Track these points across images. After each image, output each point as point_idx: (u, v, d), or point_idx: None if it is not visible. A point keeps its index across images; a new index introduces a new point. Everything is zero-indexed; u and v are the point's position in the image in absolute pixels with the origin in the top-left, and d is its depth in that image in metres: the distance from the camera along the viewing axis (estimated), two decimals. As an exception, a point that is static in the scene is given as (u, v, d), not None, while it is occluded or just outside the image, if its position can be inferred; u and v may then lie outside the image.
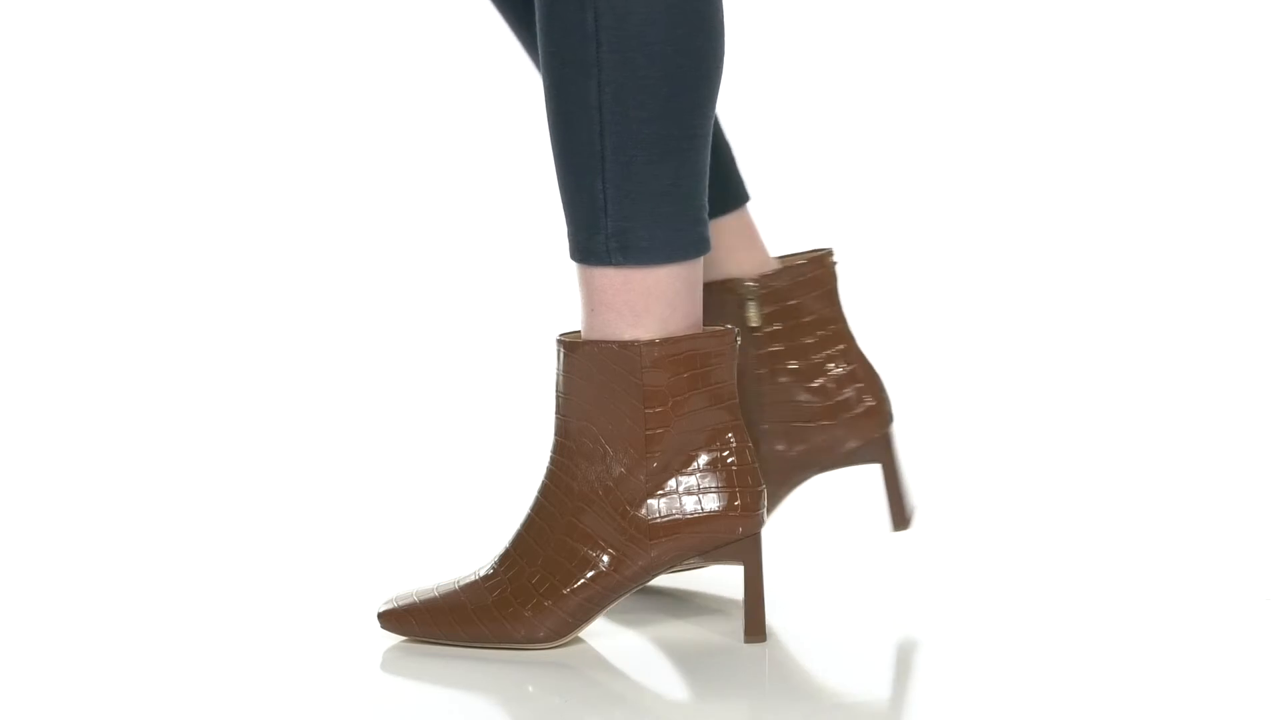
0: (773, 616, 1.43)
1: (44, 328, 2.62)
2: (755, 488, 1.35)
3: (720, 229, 1.44)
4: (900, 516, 1.51)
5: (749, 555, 1.35)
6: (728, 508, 1.34)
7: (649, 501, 1.34)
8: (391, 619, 1.39)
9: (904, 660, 1.35)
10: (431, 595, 1.39)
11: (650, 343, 1.33)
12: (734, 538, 1.35)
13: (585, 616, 1.35)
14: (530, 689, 1.30)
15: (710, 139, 1.35)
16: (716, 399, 1.35)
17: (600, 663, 1.35)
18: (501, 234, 2.69)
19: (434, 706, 1.29)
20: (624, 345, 1.33)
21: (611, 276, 1.34)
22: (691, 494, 1.34)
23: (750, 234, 1.48)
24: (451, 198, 2.78)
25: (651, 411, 1.34)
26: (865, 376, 1.48)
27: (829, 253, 1.49)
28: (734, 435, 1.35)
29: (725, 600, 1.49)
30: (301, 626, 1.46)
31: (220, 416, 2.32)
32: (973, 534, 1.71)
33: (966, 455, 2.06)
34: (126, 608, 1.54)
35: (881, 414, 1.48)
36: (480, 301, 2.66)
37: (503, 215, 2.71)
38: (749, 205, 1.49)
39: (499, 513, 1.58)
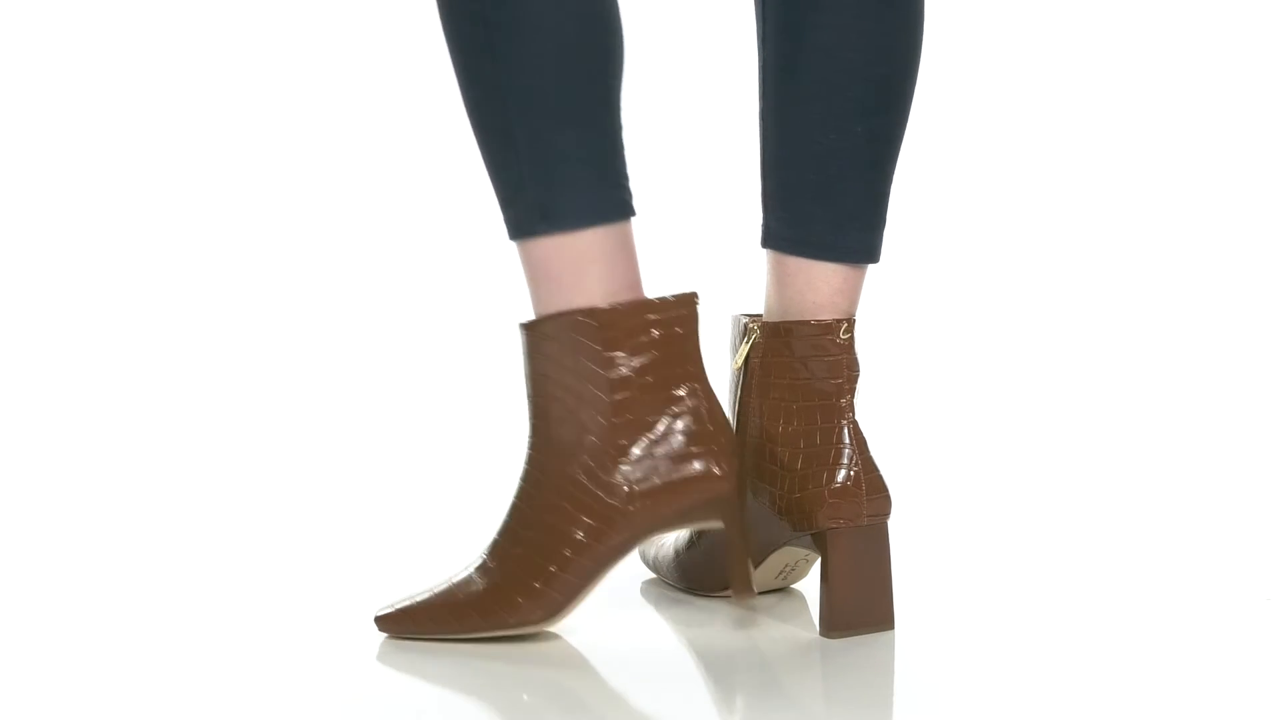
0: (771, 617, 1.43)
1: (42, 330, 2.62)
2: (729, 448, 1.35)
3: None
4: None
5: (728, 514, 1.35)
6: (705, 471, 1.34)
7: (623, 469, 1.34)
8: (389, 622, 1.40)
9: (903, 662, 1.35)
10: (426, 595, 1.40)
11: (611, 308, 1.34)
12: (711, 498, 1.35)
13: (576, 592, 1.35)
14: (525, 698, 1.30)
15: (617, 106, 1.38)
16: (681, 362, 1.35)
17: (586, 665, 1.35)
18: (499, 234, 2.69)
19: (428, 706, 1.29)
20: (586, 312, 1.34)
21: (545, 246, 1.36)
22: (666, 459, 1.34)
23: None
24: (450, 200, 2.78)
25: (616, 377, 1.34)
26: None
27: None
28: (704, 398, 1.35)
29: (717, 600, 1.49)
30: (299, 626, 1.46)
31: (219, 418, 2.32)
32: (973, 535, 1.71)
33: (966, 455, 2.06)
34: (124, 609, 1.54)
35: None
36: (479, 304, 2.66)
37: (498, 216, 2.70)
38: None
39: (498, 514, 1.58)
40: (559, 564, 1.35)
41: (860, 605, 1.38)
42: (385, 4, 2.85)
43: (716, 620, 1.44)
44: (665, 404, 1.35)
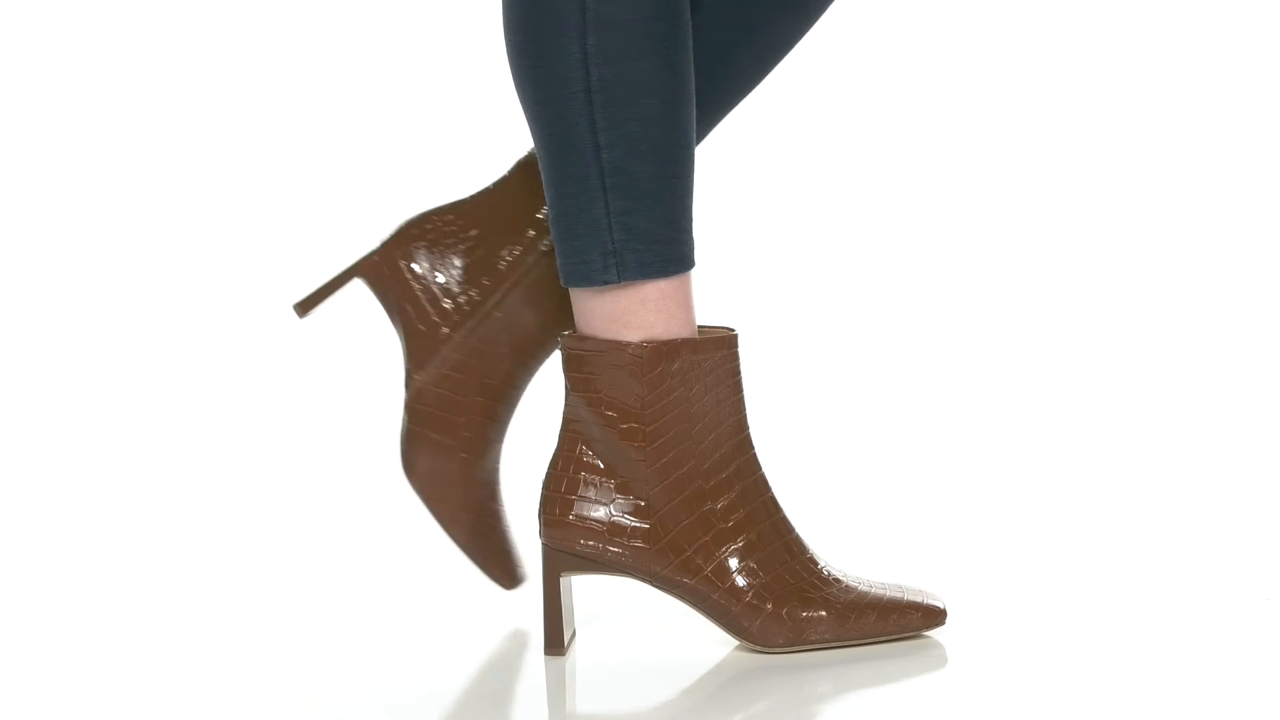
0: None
1: (40, 333, 2.62)
2: None
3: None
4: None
5: None
6: None
7: None
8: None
9: (903, 662, 1.35)
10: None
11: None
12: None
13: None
14: (523, 700, 1.30)
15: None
16: None
17: (585, 665, 1.35)
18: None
19: (417, 705, 1.29)
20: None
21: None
22: None
23: None
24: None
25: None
26: None
27: None
28: None
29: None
30: (294, 628, 1.47)
31: (216, 421, 2.32)
32: (972, 536, 1.71)
33: (965, 455, 2.06)
34: (116, 614, 1.54)
35: None
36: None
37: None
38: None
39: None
40: None
41: None
42: (386, 4, 2.85)
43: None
44: None
